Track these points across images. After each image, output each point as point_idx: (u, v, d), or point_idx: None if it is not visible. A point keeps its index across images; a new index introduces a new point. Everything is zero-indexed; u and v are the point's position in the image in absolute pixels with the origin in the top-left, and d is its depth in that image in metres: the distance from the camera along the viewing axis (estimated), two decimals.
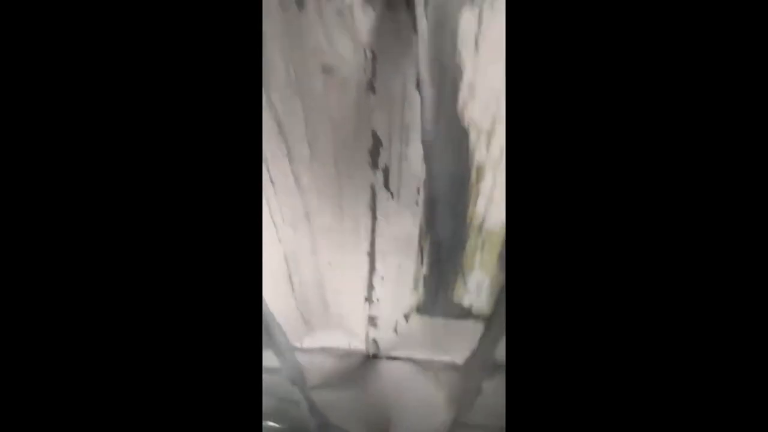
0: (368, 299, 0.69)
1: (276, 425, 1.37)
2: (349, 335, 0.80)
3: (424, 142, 0.44)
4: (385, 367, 0.88)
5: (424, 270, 0.60)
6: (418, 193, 0.49)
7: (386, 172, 0.48)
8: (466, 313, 0.67)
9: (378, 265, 0.62)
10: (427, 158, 0.45)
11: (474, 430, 1.14)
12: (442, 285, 0.62)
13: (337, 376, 0.95)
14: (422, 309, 0.68)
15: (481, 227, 0.52)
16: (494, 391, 0.90)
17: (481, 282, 0.60)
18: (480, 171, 0.46)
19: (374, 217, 0.54)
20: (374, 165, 0.48)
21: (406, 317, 0.71)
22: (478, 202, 0.49)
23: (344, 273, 0.65)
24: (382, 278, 0.64)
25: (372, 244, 0.58)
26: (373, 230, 0.56)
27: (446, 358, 0.80)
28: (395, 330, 0.74)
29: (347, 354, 0.86)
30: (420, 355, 0.81)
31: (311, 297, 0.72)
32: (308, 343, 0.84)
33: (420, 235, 0.55)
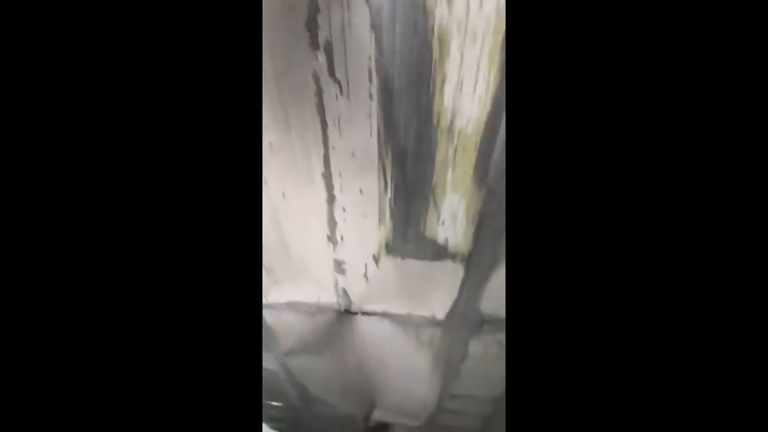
0: (331, 239, 0.60)
1: (277, 404, 1.31)
2: (316, 286, 0.71)
3: (370, 3, 0.35)
4: (361, 326, 0.79)
5: (389, 194, 0.51)
6: (370, 80, 0.40)
7: (329, 51, 0.39)
8: (441, 252, 0.58)
9: (336, 192, 0.53)
10: (376, 25, 0.36)
11: (465, 402, 1.06)
12: (412, 215, 0.54)
13: (310, 337, 0.87)
14: (392, 248, 0.60)
15: (450, 129, 0.43)
16: (483, 353, 0.82)
17: (455, 208, 0.51)
18: (443, 41, 0.36)
19: (324, 123, 0.45)
20: (314, 43, 0.38)
21: (376, 259, 0.62)
22: (445, 92, 0.40)
23: (301, 205, 0.56)
24: (344, 209, 0.55)
25: (326, 162, 0.49)
26: (325, 141, 0.47)
27: (425, 312, 0.72)
28: (365, 276, 0.66)
29: (318, 309, 0.77)
30: (397, 308, 0.73)
31: (269, 238, 0.63)
32: (273, 297, 0.76)
33: (379, 145, 0.46)
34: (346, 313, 0.76)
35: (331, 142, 0.47)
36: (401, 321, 0.75)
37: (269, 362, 1.00)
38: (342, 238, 0.60)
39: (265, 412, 1.40)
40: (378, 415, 1.19)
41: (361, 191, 0.52)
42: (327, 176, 0.51)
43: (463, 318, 0.72)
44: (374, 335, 0.81)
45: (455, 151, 0.45)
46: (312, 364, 0.98)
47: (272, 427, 1.54)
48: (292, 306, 0.77)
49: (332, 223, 0.58)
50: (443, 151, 0.45)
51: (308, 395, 1.15)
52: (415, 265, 0.62)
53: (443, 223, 0.54)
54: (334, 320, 0.79)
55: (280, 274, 0.70)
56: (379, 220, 0.55)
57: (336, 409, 1.20)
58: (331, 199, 0.54)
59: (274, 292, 0.74)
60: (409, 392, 1.03)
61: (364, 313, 0.76)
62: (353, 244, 0.60)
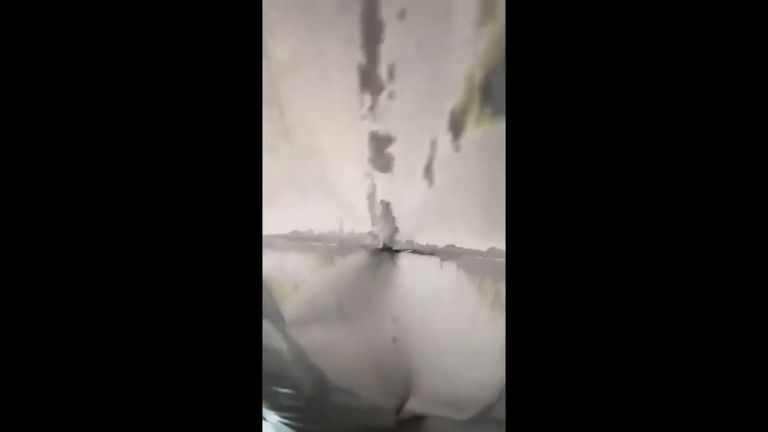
0: (365, 85, 0.31)
1: (285, 391, 1.08)
2: (337, 201, 0.43)
3: None
4: (407, 277, 0.51)
5: None
6: None
7: None
8: None
9: None
10: None
11: None
12: None
13: (327, 298, 0.59)
14: (488, 100, 0.30)
15: None
16: None
17: None
18: None
19: None
20: None
21: (454, 127, 0.33)
22: None
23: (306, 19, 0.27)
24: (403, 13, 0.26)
25: None
26: None
27: None
28: (427, 170, 0.37)
29: (341, 246, 0.49)
30: (471, 241, 0.44)
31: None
32: (270, 225, 0.47)
33: None
34: (386, 251, 0.48)
35: None
36: (473, 266, 0.46)
37: (270, 336, 0.73)
38: (384, 95, 0.31)
39: (272, 399, 1.16)
40: (412, 405, 0.93)
41: None
42: None
43: None
44: (424, 288, 0.52)
45: None
46: (330, 339, 0.70)
47: (281, 416, 1.31)
48: (296, 240, 0.49)
49: (370, 50, 0.28)
50: None
51: (324, 381, 0.88)
52: None
53: None
54: (366, 267, 0.51)
55: (274, 181, 0.42)
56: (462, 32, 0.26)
57: (360, 401, 0.94)
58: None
59: (266, 217, 0.45)
60: (463, 374, 0.75)
61: (414, 251, 0.47)
62: (409, 96, 0.31)
